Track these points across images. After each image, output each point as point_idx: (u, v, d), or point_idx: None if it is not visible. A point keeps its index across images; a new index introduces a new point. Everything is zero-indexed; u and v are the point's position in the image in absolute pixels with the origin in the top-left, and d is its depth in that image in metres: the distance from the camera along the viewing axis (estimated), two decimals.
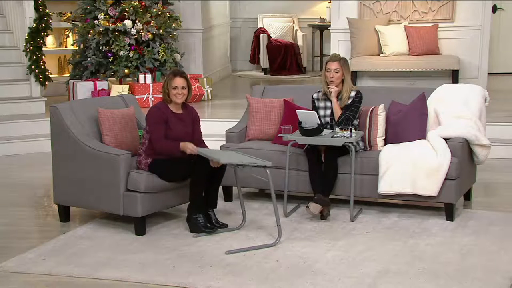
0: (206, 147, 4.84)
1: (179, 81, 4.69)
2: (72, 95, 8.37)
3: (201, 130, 4.92)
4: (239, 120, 5.84)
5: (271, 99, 5.58)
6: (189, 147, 4.58)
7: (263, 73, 11.66)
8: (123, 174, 4.59)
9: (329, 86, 5.07)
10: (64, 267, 4.08)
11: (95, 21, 8.48)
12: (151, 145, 4.70)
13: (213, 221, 4.69)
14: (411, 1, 8.78)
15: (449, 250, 4.30)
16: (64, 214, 4.98)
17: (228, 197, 5.39)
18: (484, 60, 8.69)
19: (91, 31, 8.49)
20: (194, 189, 4.60)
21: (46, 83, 8.13)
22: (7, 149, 7.18)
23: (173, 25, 8.82)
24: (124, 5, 8.42)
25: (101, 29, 8.40)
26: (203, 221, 4.61)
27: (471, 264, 4.07)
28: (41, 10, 7.99)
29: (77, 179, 4.79)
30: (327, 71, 5.07)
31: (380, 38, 8.64)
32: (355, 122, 5.09)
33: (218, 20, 10.97)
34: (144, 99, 8.20)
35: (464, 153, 4.91)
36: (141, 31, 8.48)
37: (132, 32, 8.43)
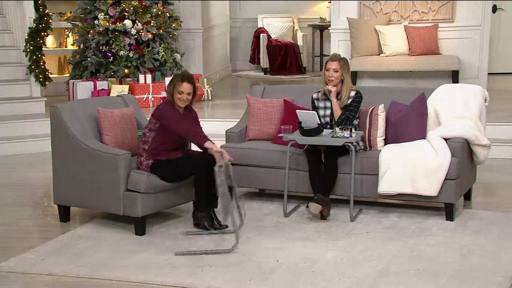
0: (212, 142, 4.85)
1: (186, 87, 4.67)
2: (72, 95, 8.37)
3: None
4: (239, 120, 5.84)
5: (271, 99, 5.59)
6: (219, 152, 4.46)
7: (263, 73, 11.65)
8: (123, 174, 4.59)
9: (328, 86, 5.07)
10: (64, 267, 4.08)
11: (95, 21, 8.48)
12: (154, 145, 4.69)
13: (214, 221, 4.70)
14: (411, 1, 8.78)
15: (449, 250, 4.30)
16: (64, 214, 4.98)
17: None
18: (484, 60, 8.69)
19: (91, 31, 8.49)
20: (198, 188, 4.61)
21: (46, 83, 8.12)
22: (7, 149, 7.18)
23: (173, 25, 8.82)
24: (124, 5, 8.42)
25: (101, 29, 8.40)
26: (208, 221, 4.63)
27: (471, 264, 4.07)
28: (41, 10, 7.99)
29: (77, 179, 4.78)
30: (327, 70, 5.07)
31: (380, 38, 8.64)
32: (355, 122, 5.09)
33: (218, 20, 10.97)
34: (144, 99, 8.20)
35: (464, 153, 4.91)
36: (141, 31, 8.48)
37: (132, 32, 8.43)
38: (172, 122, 4.63)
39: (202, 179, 4.59)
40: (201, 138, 4.59)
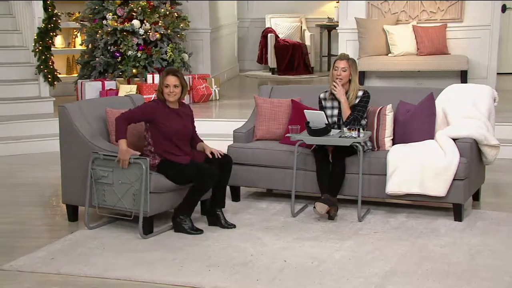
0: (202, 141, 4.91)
1: (171, 80, 4.70)
2: (80, 95, 8.39)
3: (197, 129, 4.98)
4: (246, 120, 5.84)
5: (278, 99, 5.58)
6: (122, 155, 4.51)
7: (270, 73, 11.66)
8: None
9: (334, 85, 5.03)
10: (73, 266, 4.10)
11: (103, 21, 8.50)
12: (157, 144, 4.70)
13: (222, 221, 4.71)
14: (420, 1, 8.76)
15: (458, 250, 4.29)
16: (73, 214, 4.99)
17: (235, 197, 5.40)
18: (493, 60, 8.65)
19: (99, 31, 8.51)
20: (195, 195, 4.60)
21: (55, 83, 8.15)
22: (16, 149, 7.21)
23: (181, 25, 8.83)
24: (132, 5, 8.44)
25: (109, 29, 8.42)
26: (189, 223, 4.62)
27: (479, 264, 4.06)
28: (50, 10, 8.02)
29: (85, 179, 4.79)
30: (335, 70, 5.07)
31: (388, 38, 8.62)
32: (363, 122, 5.08)
33: (226, 20, 10.98)
34: (152, 99, 8.19)
35: (472, 153, 4.90)
36: (149, 31, 8.50)
37: (140, 32, 8.44)
38: (137, 107, 4.79)
39: (202, 189, 4.59)
40: (118, 135, 4.58)
